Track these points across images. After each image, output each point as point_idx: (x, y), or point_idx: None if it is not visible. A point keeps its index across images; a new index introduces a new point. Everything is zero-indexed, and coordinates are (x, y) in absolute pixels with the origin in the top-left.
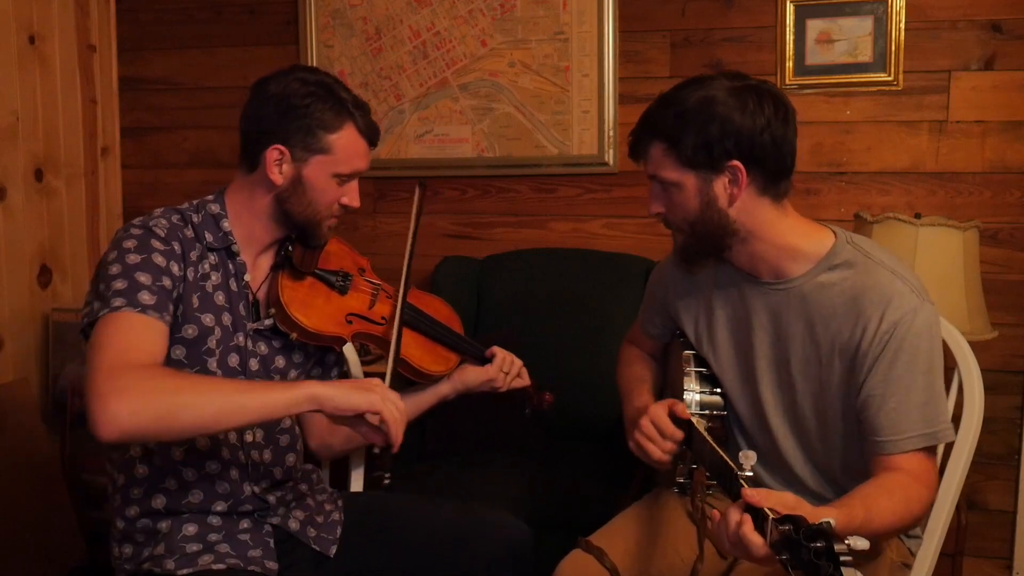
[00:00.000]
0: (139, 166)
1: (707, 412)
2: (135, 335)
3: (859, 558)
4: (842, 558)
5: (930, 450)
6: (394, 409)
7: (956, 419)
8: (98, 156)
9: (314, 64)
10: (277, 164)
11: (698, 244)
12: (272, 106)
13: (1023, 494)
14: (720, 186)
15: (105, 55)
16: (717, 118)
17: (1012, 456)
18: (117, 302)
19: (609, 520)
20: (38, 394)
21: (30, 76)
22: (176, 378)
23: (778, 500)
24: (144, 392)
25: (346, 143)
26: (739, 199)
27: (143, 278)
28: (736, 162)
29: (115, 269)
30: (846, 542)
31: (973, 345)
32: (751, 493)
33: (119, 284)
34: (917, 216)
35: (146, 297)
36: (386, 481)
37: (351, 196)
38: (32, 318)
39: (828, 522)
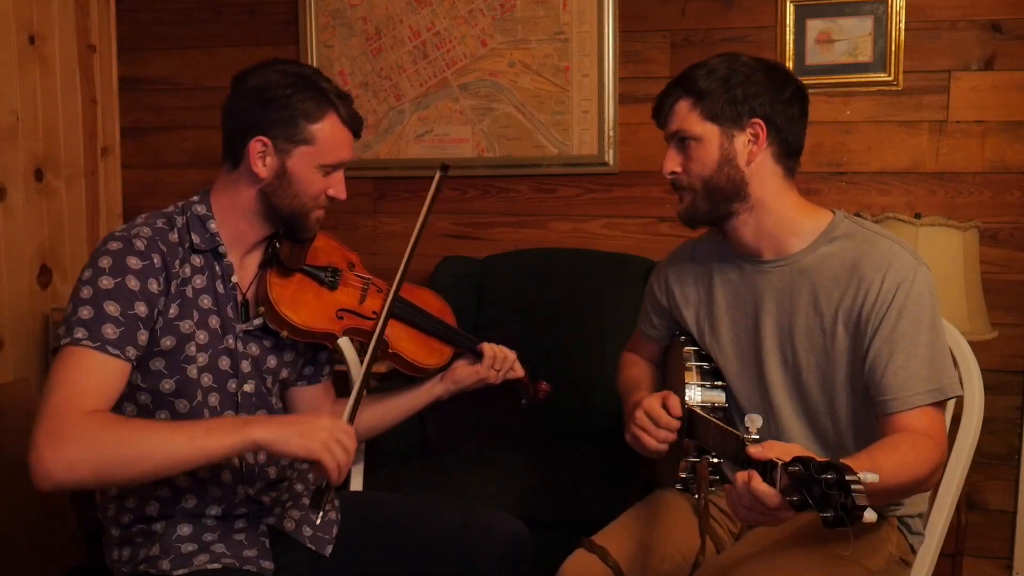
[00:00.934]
0: (139, 166)
1: (708, 405)
2: (89, 377)
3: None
4: (854, 487)
5: (939, 406)
6: (335, 454)
7: (956, 419)
8: (98, 156)
9: (314, 64)
10: (261, 156)
11: (706, 203)
12: (253, 98)
13: (1023, 494)
14: (741, 143)
15: (105, 55)
16: (747, 79)
17: (1012, 456)
18: (79, 333)
19: (610, 520)
20: (38, 394)
21: (30, 76)
22: (119, 429)
23: (783, 450)
24: (84, 446)
25: (329, 133)
26: (755, 160)
27: (111, 308)
28: (759, 120)
29: (86, 292)
30: (857, 475)
31: (973, 345)
32: (756, 449)
33: (85, 312)
34: (917, 216)
35: (110, 331)
36: (317, 522)
37: (337, 188)
38: (32, 318)
39: (836, 457)
